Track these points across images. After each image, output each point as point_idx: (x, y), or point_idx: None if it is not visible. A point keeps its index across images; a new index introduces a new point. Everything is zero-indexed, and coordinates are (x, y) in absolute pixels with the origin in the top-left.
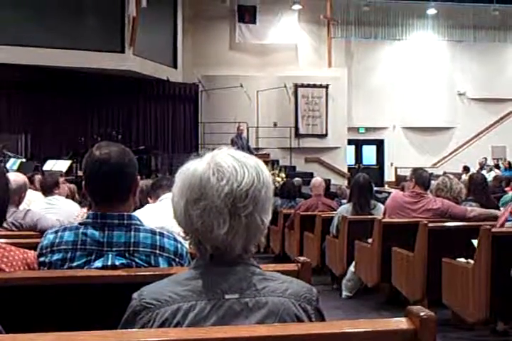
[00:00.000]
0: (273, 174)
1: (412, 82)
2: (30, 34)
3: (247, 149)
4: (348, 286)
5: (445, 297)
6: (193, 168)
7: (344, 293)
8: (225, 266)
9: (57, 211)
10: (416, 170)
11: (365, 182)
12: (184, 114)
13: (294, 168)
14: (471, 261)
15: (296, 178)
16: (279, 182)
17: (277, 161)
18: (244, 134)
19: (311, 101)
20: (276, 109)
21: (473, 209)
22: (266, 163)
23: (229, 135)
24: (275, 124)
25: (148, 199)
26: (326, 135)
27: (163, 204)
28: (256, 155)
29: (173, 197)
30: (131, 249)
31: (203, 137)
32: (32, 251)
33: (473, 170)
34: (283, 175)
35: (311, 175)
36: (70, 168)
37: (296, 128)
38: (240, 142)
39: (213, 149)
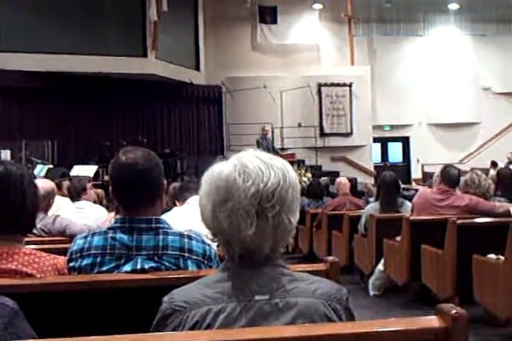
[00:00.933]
0: (299, 174)
1: (436, 77)
2: (53, 41)
3: (272, 150)
4: (377, 285)
5: (476, 294)
6: (219, 169)
7: (372, 292)
8: (253, 268)
9: (86, 216)
10: (444, 167)
11: (392, 180)
12: (208, 116)
13: (320, 167)
14: (502, 258)
15: (323, 177)
16: (305, 182)
17: (303, 161)
18: (269, 135)
19: (335, 100)
20: (301, 109)
21: (501, 204)
22: (291, 163)
23: (254, 136)
24: (300, 124)
25: (176, 202)
26: (351, 133)
27: (191, 207)
28: (281, 155)
29: (200, 199)
30: (160, 252)
31: (228, 139)
32: (62, 257)
33: (501, 165)
34: (309, 175)
35: (337, 174)
36: (97, 173)
37: (321, 128)
38: (264, 143)
39: (239, 151)
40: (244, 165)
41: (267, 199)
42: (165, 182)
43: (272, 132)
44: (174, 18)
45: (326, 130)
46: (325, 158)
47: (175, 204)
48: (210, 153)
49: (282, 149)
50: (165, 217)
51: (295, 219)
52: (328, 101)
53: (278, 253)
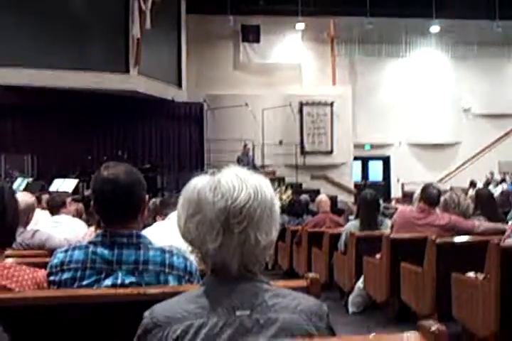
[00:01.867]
0: (279, 191)
1: (417, 98)
2: (35, 56)
3: (252, 167)
4: (356, 302)
5: (455, 311)
6: (195, 183)
7: (351, 310)
8: (231, 283)
9: (64, 229)
10: (425, 186)
11: (372, 199)
12: (190, 133)
13: (300, 185)
14: (481, 276)
15: (304, 195)
16: (285, 199)
17: (283, 179)
18: (250, 153)
19: (316, 118)
20: (282, 127)
21: (481, 223)
22: (272, 180)
23: (235, 153)
24: (281, 142)
25: (157, 217)
26: (331, 152)
27: (171, 223)
28: (261, 172)
29: (177, 210)
30: (141, 267)
31: (209, 155)
32: (42, 270)
33: (479, 185)
34: (289, 193)
35: (317, 192)
36: (77, 187)
37: (302, 146)
38: (245, 160)
39: (219, 167)
40: (218, 180)
41: (234, 215)
42: (147, 197)
43: (253, 149)
44: (157, 35)
45: (307, 148)
46: (305, 175)
47: (155, 220)
48: (190, 169)
49: (263, 166)
50: (146, 232)
51: (266, 237)
52: (309, 119)
53: (256, 269)
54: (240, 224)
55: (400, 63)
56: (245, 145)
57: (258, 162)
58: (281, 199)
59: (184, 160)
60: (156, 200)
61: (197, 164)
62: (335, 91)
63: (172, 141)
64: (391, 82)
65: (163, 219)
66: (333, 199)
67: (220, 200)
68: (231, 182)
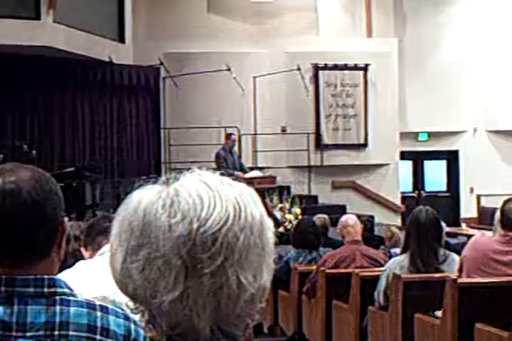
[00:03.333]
0: (280, 209)
1: (502, 59)
2: None
3: (240, 169)
4: None
5: None
6: (138, 198)
7: None
8: None
9: None
10: (506, 202)
11: (430, 221)
12: (137, 115)
13: (314, 198)
14: None
15: (320, 215)
16: (290, 221)
17: (287, 188)
18: (236, 148)
19: (340, 91)
20: (286, 106)
21: None
22: (269, 190)
23: (209, 148)
24: (284, 130)
25: (83, 251)
26: (365, 145)
27: (105, 260)
28: (253, 179)
29: (111, 244)
30: (56, 333)
31: (167, 152)
32: None
33: None
34: (297, 211)
35: (342, 209)
36: None
37: (318, 136)
38: (229, 159)
39: (181, 172)
40: (176, 192)
41: (204, 247)
42: (66, 220)
43: (239, 142)
44: None
45: (326, 139)
46: (323, 183)
47: (81, 256)
48: (138, 174)
49: (257, 169)
50: (64, 276)
51: (254, 280)
52: (329, 93)
53: (239, 332)
54: (214, 261)
55: (473, 2)
56: (229, 136)
57: (248, 162)
58: (283, 222)
59: (129, 159)
60: (83, 224)
61: (149, 166)
62: (371, 47)
63: (109, 126)
64: (459, 33)
65: (91, 255)
66: (367, 222)
67: (180, 223)
68: (197, 194)
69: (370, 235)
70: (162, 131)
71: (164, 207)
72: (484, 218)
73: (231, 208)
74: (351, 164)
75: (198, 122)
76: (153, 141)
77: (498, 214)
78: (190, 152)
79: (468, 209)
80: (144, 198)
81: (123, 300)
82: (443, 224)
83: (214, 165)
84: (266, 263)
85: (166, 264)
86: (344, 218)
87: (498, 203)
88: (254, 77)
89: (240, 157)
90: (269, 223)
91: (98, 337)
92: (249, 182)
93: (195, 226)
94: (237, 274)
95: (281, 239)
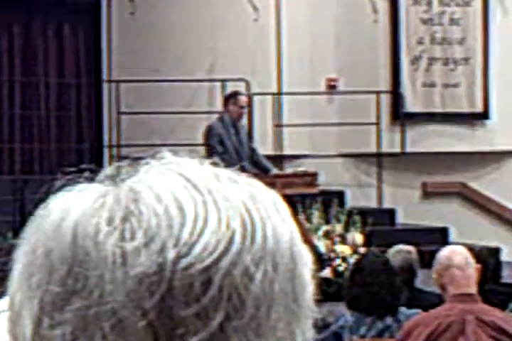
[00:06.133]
0: (326, 234)
1: None
2: None
3: (251, 160)
4: None
5: None
6: (62, 209)
7: None
8: None
9: None
10: None
11: None
12: (60, 57)
13: (389, 214)
14: None
15: (399, 247)
16: (344, 258)
17: (339, 195)
18: (245, 120)
19: (438, 14)
20: (336, 42)
21: None
22: (306, 198)
23: (192, 120)
24: (332, 86)
25: None
26: (484, 116)
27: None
28: (275, 179)
29: (11, 293)
30: None
31: (115, 127)
32: None
33: None
34: (357, 238)
35: (441, 235)
36: None
37: (397, 98)
38: (232, 139)
39: (139, 159)
40: (133, 195)
41: (188, 295)
42: None
43: (249, 109)
44: None
45: (411, 105)
46: (405, 186)
47: None
48: (60, 166)
49: (281, 158)
50: None
51: None
52: (417, 17)
53: None
54: (205, 323)
55: None
56: (231, 97)
57: (265, 146)
58: (326, 259)
59: (42, 142)
60: None
61: (79, 152)
62: None
63: (21, 79)
64: None
65: None
66: (489, 260)
67: (143, 252)
68: (173, 199)
69: (494, 285)
70: (105, 86)
71: (112, 223)
72: None
73: (236, 223)
74: (458, 151)
75: (172, 70)
76: (88, 107)
77: None
78: (154, 127)
79: None
80: (74, 208)
81: None
82: None
83: (201, 152)
84: (300, 328)
85: (118, 329)
86: (445, 252)
87: None
88: None
89: (251, 137)
90: (307, 253)
91: None
92: (269, 182)
93: (170, 256)
94: None
95: (328, 292)
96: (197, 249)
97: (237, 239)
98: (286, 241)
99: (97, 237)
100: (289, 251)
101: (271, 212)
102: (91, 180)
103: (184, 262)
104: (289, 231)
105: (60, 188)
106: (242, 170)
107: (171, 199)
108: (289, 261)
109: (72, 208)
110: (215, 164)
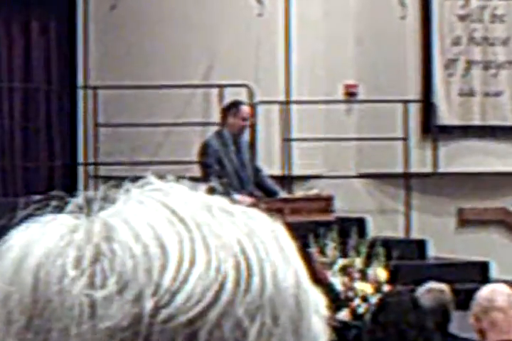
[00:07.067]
0: (343, 269)
1: None
2: None
3: (255, 182)
4: None
5: None
6: (22, 245)
7: None
8: None
9: None
10: None
11: None
12: (27, 59)
13: (419, 245)
14: None
15: (430, 285)
16: (365, 298)
17: (359, 222)
18: (246, 135)
19: (478, 9)
20: (356, 41)
21: None
22: (319, 227)
23: (183, 135)
24: (351, 93)
25: None
26: None
27: None
28: (283, 203)
29: None
30: None
31: (91, 141)
32: None
33: None
34: (380, 274)
35: (480, 271)
36: None
37: (428, 108)
38: (232, 158)
39: (119, 181)
40: (107, 231)
41: None
42: None
43: (253, 119)
44: None
45: (446, 116)
46: (438, 213)
47: None
48: (26, 191)
49: (289, 179)
50: None
51: None
52: (452, 12)
53: None
54: None
55: None
56: (232, 108)
57: (271, 165)
58: (344, 298)
59: (3, 159)
60: None
61: (49, 171)
62: None
63: None
64: None
65: None
66: None
67: (116, 300)
68: (153, 236)
69: None
70: (80, 93)
71: (80, 266)
72: None
73: (228, 266)
74: (501, 171)
75: (160, 75)
76: (60, 118)
77: None
78: (138, 142)
79: None
80: (37, 245)
81: None
82: None
83: (195, 173)
84: None
85: None
86: (485, 292)
87: None
88: None
89: (254, 155)
90: (317, 297)
91: None
92: (275, 208)
93: (148, 306)
94: None
95: (346, 338)
96: (180, 297)
97: (229, 285)
98: (289, 287)
99: (61, 283)
100: (293, 299)
101: (272, 251)
102: (59, 209)
103: (164, 313)
104: (293, 273)
105: (23, 220)
106: (247, 194)
107: (151, 237)
108: (293, 310)
109: (35, 245)
110: (211, 190)
